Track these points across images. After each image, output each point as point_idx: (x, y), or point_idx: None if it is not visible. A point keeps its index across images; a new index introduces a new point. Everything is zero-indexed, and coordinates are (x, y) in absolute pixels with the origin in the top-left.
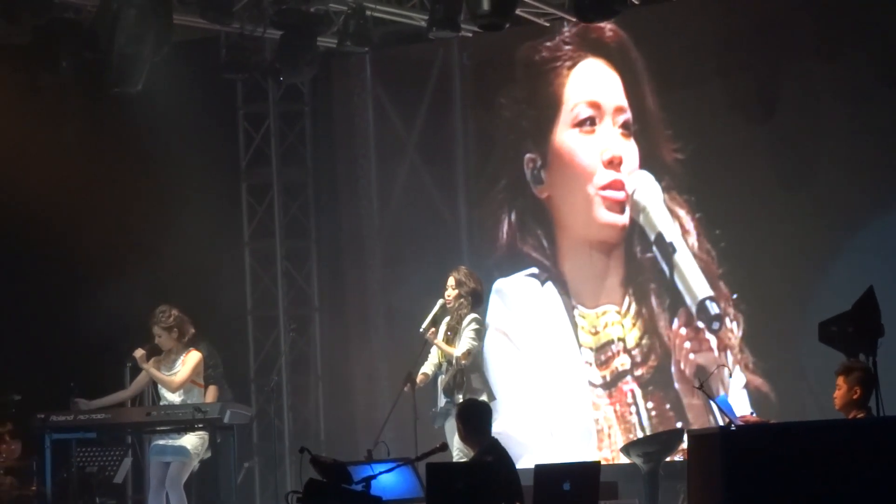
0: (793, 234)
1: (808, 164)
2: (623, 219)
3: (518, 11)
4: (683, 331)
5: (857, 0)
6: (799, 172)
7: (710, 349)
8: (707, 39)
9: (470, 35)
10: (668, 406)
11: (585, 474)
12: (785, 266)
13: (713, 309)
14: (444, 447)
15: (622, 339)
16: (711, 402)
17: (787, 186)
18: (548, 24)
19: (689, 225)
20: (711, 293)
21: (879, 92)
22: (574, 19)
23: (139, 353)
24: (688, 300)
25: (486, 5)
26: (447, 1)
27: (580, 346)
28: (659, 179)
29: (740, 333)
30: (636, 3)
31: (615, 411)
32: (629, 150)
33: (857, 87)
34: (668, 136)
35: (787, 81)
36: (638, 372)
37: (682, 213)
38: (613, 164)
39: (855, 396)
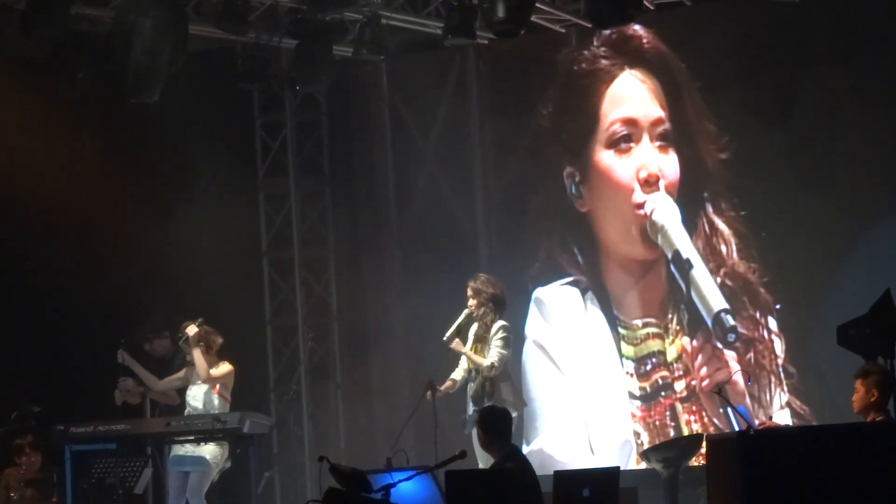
0: (810, 237)
1: (825, 166)
2: None
3: (533, 18)
4: (701, 347)
5: (874, 2)
6: (816, 175)
7: (728, 366)
8: (725, 43)
9: (486, 42)
10: (706, 421)
11: (605, 480)
12: (808, 267)
13: (728, 321)
14: (464, 455)
15: (662, 353)
16: (729, 409)
17: (804, 188)
18: (563, 31)
19: (730, 236)
20: (726, 305)
21: None
22: (589, 25)
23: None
24: (704, 314)
25: (501, 12)
26: (462, 8)
27: (622, 356)
28: (703, 188)
29: (783, 350)
30: (651, 7)
31: (655, 425)
32: (667, 165)
33: (874, 89)
34: (712, 135)
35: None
36: (678, 386)
37: (721, 224)
38: (650, 182)
39: (872, 399)
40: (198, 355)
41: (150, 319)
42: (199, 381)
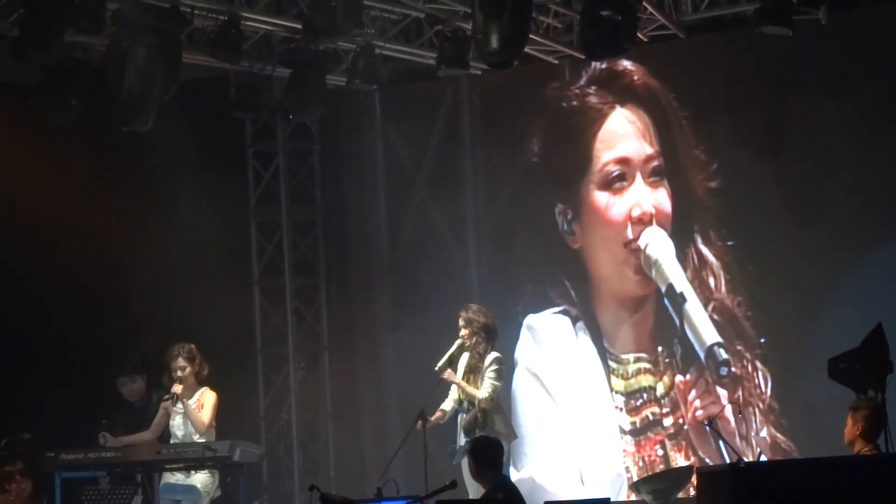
0: (798, 269)
1: (815, 197)
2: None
3: (526, 49)
4: (695, 381)
5: (865, 35)
6: (806, 206)
7: (721, 402)
8: (718, 75)
9: (479, 73)
10: (693, 459)
11: None
12: (793, 301)
13: (721, 354)
14: (455, 485)
15: (653, 388)
16: (721, 441)
17: (796, 221)
18: (557, 62)
19: (719, 268)
20: (720, 339)
21: (888, 126)
22: (583, 57)
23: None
24: (697, 348)
25: (494, 43)
26: (456, 39)
27: (612, 390)
28: (693, 218)
29: (769, 386)
30: (645, 40)
31: (645, 460)
32: (660, 201)
33: (865, 121)
34: (701, 164)
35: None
36: (666, 422)
37: (710, 255)
38: (643, 221)
39: (859, 432)
40: (191, 413)
41: (122, 362)
42: (183, 411)
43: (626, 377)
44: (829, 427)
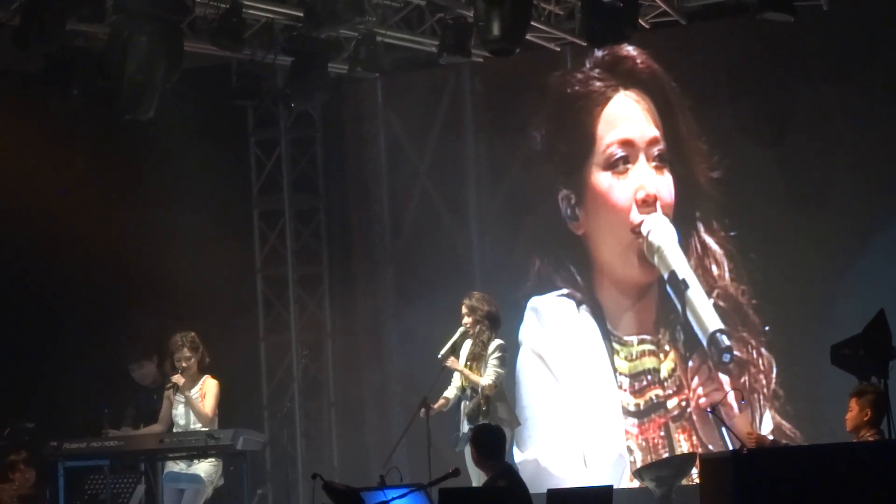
0: (801, 257)
1: (818, 184)
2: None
3: (528, 36)
4: (698, 368)
5: (867, 21)
6: (809, 193)
7: (724, 389)
8: (719, 62)
9: (481, 60)
10: (696, 441)
11: (598, 499)
12: (798, 288)
13: (723, 341)
14: (457, 473)
15: (657, 370)
16: (724, 428)
17: (798, 208)
18: (558, 49)
19: (722, 256)
20: (722, 326)
21: (890, 112)
22: (584, 43)
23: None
24: (700, 334)
25: (496, 30)
26: (457, 26)
27: (615, 371)
28: (695, 207)
29: (774, 373)
30: (647, 26)
31: (648, 443)
32: (663, 185)
33: (867, 107)
34: (704, 154)
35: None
36: (670, 404)
37: (713, 244)
38: (647, 203)
39: (866, 418)
40: (193, 404)
41: (134, 345)
42: (184, 401)
43: (630, 359)
44: (833, 414)
